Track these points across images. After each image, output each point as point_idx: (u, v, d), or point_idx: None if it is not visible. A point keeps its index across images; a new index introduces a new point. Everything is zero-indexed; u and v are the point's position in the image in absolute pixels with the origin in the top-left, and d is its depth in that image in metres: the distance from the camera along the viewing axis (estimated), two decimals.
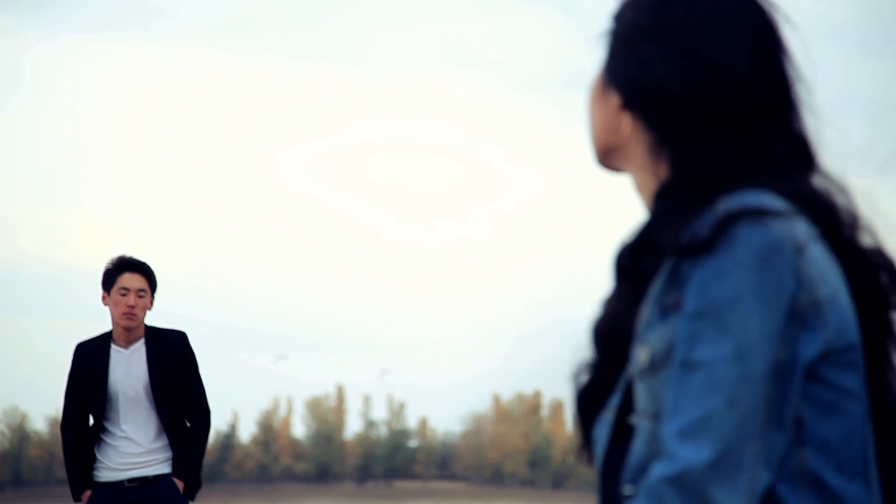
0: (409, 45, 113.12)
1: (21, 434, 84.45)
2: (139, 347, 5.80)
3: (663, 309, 1.45)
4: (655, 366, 1.46)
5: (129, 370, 5.77)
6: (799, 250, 1.42)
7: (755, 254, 1.41)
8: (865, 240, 1.53)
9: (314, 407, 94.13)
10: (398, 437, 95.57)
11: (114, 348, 5.81)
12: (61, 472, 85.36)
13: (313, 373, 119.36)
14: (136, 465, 5.77)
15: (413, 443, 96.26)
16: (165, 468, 5.78)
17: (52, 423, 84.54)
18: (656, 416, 1.46)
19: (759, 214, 1.42)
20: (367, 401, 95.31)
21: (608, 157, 1.63)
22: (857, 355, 1.47)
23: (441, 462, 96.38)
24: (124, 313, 5.74)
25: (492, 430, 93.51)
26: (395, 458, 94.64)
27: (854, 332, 1.46)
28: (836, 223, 1.50)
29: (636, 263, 1.53)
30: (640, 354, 1.48)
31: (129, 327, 5.76)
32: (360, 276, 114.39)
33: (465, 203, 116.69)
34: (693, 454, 1.38)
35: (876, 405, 1.52)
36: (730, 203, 1.44)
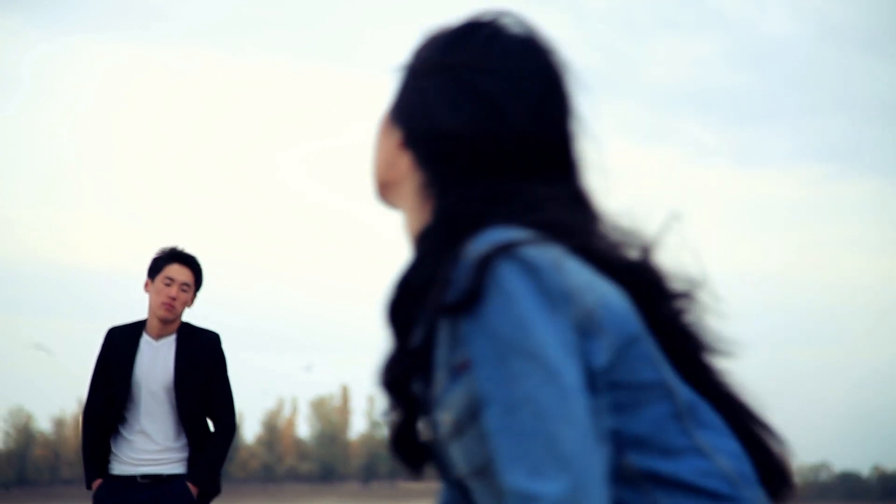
0: (410, 45, 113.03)
1: (26, 434, 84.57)
2: (170, 342, 5.58)
3: (453, 370, 1.43)
4: (461, 427, 1.44)
5: (154, 364, 5.54)
6: (557, 268, 1.42)
7: (522, 283, 1.40)
8: (632, 255, 1.54)
9: (319, 407, 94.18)
10: None
11: (144, 338, 5.57)
12: (66, 472, 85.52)
13: (318, 373, 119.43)
14: (150, 462, 5.54)
15: None
16: (180, 468, 5.55)
17: (56, 423, 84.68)
18: (480, 474, 1.45)
19: (510, 247, 1.42)
20: (371, 401, 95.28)
21: (385, 192, 1.61)
22: (644, 344, 1.47)
23: None
24: (164, 303, 5.52)
25: None
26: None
27: (634, 323, 1.46)
28: (587, 241, 1.50)
29: (400, 313, 1.49)
30: (444, 419, 1.46)
31: (167, 319, 5.53)
32: (361, 276, 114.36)
33: None
34: (553, 487, 1.35)
35: (703, 384, 1.54)
36: (478, 246, 1.43)
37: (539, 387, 1.38)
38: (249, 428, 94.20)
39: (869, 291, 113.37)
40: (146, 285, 5.59)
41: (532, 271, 1.41)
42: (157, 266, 5.58)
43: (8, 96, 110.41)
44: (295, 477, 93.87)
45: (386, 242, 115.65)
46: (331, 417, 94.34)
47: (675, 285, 1.55)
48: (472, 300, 1.41)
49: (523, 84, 1.54)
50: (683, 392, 1.49)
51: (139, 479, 5.53)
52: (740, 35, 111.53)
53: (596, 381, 1.42)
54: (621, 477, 1.45)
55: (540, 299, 1.41)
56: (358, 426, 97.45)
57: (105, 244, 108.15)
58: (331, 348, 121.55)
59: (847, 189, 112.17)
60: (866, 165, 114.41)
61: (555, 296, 1.41)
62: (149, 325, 5.59)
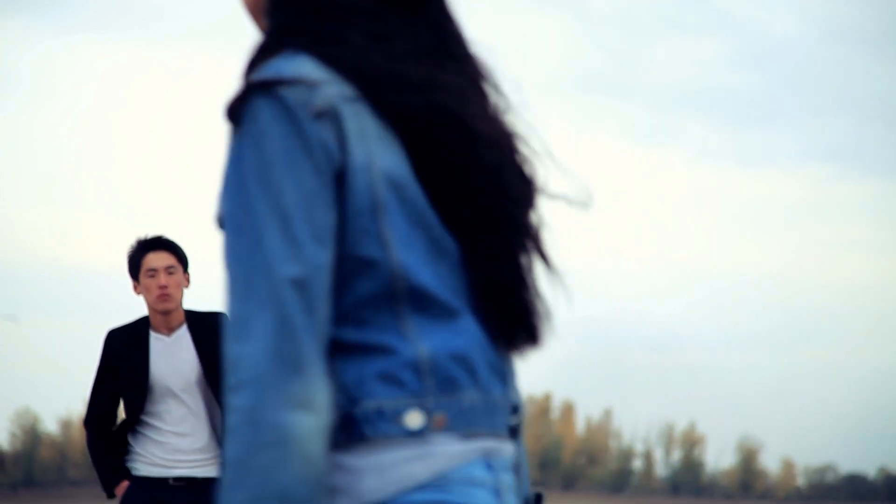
0: None
1: (33, 435, 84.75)
2: (182, 334, 5.22)
3: None
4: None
5: (173, 360, 5.18)
6: (320, 115, 1.42)
7: (276, 126, 1.41)
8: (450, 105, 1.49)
9: None
10: None
11: (153, 336, 5.21)
12: (73, 473, 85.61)
13: None
14: (185, 464, 5.19)
15: None
16: (214, 471, 5.19)
17: (63, 424, 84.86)
18: None
19: (272, 85, 1.42)
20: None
21: (256, 21, 1.61)
22: (379, 219, 1.46)
23: None
24: (158, 296, 5.17)
25: None
26: None
27: (373, 196, 1.45)
28: (383, 88, 1.46)
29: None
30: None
31: (168, 310, 5.19)
32: None
33: None
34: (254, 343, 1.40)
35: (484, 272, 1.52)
36: (259, 73, 1.44)
37: (270, 229, 1.40)
38: None
39: (871, 292, 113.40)
40: (135, 288, 5.26)
41: (280, 117, 1.42)
42: (134, 262, 5.25)
43: (8, 96, 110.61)
44: None
45: None
46: None
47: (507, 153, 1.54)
48: (232, 122, 1.43)
49: None
50: (419, 277, 1.48)
51: (171, 482, 5.20)
52: (744, 36, 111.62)
53: (334, 234, 1.44)
54: (333, 343, 1.47)
55: (289, 145, 1.41)
56: None
57: (105, 244, 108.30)
58: None
59: (850, 190, 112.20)
60: (869, 166, 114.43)
61: (299, 145, 1.41)
62: (153, 323, 5.23)
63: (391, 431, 1.46)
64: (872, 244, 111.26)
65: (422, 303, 1.49)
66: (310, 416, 1.39)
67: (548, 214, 1.59)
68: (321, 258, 1.42)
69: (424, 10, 1.56)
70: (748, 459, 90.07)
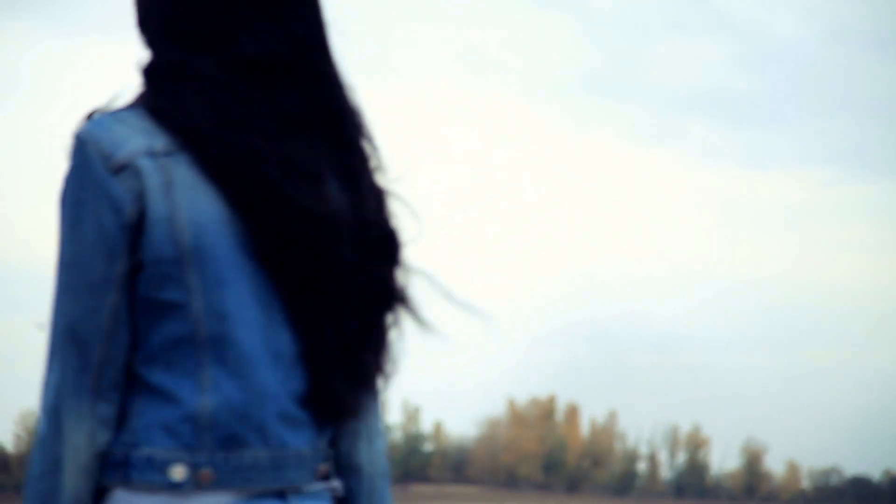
0: (424, 50, 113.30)
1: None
2: None
3: None
4: None
5: None
6: (118, 170, 1.55)
7: (69, 175, 1.58)
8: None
9: None
10: (413, 441, 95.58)
11: None
12: None
13: None
14: None
15: (428, 447, 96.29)
16: None
17: None
18: None
19: (82, 125, 1.59)
20: (382, 405, 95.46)
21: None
22: (180, 266, 1.56)
23: (456, 466, 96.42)
24: None
25: (506, 434, 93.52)
26: (410, 461, 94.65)
27: (176, 245, 1.56)
28: (202, 147, 1.57)
29: None
30: None
31: None
32: None
33: (479, 205, 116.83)
34: (51, 374, 1.62)
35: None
36: (85, 121, 1.61)
37: (59, 275, 1.58)
38: None
39: (874, 293, 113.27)
40: None
41: (86, 168, 1.57)
42: None
43: (8, 96, 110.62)
44: None
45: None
46: None
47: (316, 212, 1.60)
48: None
49: None
50: (224, 326, 1.57)
51: None
52: (747, 37, 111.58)
53: (117, 279, 1.58)
54: (130, 374, 1.60)
55: (78, 196, 1.57)
56: None
57: None
58: None
59: (853, 191, 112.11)
60: (871, 168, 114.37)
61: (95, 199, 1.56)
62: None
63: (154, 480, 1.57)
64: (875, 245, 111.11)
65: (224, 352, 1.58)
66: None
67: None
68: (91, 304, 1.57)
69: (289, 79, 1.63)
70: (753, 462, 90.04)
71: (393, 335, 1.69)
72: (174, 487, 1.57)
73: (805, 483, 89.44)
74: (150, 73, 1.63)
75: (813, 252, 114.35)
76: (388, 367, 1.70)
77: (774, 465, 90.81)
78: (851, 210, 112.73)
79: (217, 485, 1.58)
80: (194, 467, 1.58)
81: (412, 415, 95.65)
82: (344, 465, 1.75)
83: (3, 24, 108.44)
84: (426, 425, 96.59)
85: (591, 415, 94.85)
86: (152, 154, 1.57)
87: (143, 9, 1.66)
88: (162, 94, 1.60)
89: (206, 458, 1.58)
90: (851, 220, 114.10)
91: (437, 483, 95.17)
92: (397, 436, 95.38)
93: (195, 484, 1.57)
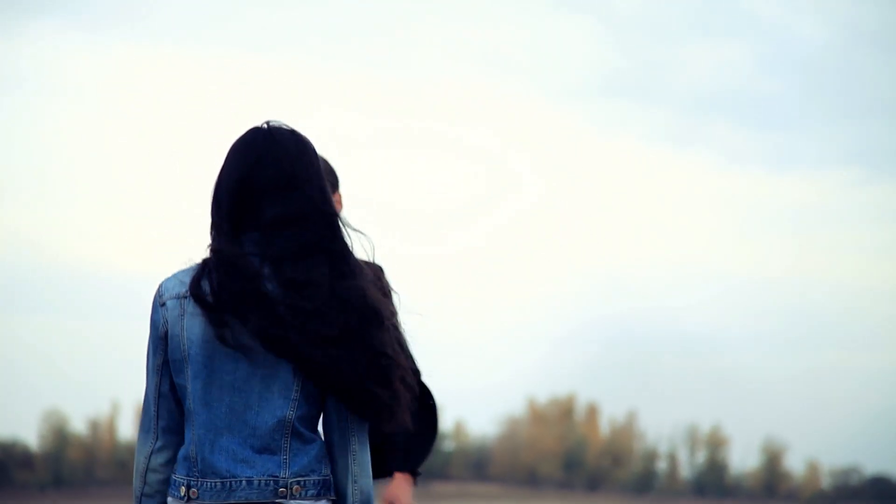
0: (441, 50, 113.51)
1: (61, 436, 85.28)
2: None
3: None
4: None
5: None
6: (162, 305, 2.71)
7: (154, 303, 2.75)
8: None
9: None
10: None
11: None
12: (102, 474, 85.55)
13: None
14: None
15: (449, 445, 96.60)
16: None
17: (91, 424, 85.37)
18: None
19: (160, 283, 2.73)
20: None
21: None
22: (183, 366, 2.67)
23: (476, 464, 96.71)
24: None
25: (526, 433, 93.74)
26: (431, 460, 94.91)
27: (181, 351, 2.67)
28: (201, 295, 2.66)
29: None
30: None
31: None
32: (393, 279, 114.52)
33: (497, 205, 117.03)
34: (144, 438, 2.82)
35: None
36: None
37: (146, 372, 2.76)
38: None
39: (895, 294, 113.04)
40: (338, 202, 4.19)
41: (154, 304, 2.73)
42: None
43: (8, 95, 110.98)
44: None
45: (416, 244, 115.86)
46: None
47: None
48: None
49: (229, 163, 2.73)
50: (193, 400, 2.67)
51: None
52: (770, 40, 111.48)
53: (156, 369, 2.74)
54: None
55: (151, 319, 2.73)
56: None
57: (105, 242, 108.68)
58: None
59: (875, 194, 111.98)
60: (894, 171, 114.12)
61: (153, 318, 2.72)
62: None
63: (175, 495, 2.70)
64: (893, 248, 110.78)
65: (192, 416, 2.67)
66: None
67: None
68: (152, 386, 2.74)
69: (300, 226, 2.70)
70: (773, 461, 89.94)
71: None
72: (181, 499, 2.68)
73: (825, 482, 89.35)
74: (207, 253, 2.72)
75: (835, 253, 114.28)
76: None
77: (794, 464, 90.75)
78: (877, 212, 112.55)
79: (199, 498, 2.66)
80: (188, 487, 2.67)
81: None
82: None
83: (3, 23, 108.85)
84: (447, 424, 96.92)
85: (610, 414, 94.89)
86: (178, 297, 2.68)
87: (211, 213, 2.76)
88: (199, 266, 2.71)
89: (193, 482, 2.67)
90: (875, 223, 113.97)
91: (459, 481, 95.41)
92: None
93: (189, 498, 2.67)
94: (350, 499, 2.64)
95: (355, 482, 2.64)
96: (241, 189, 2.67)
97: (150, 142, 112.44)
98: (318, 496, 2.63)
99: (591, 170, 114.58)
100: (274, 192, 2.65)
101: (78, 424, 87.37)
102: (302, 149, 2.68)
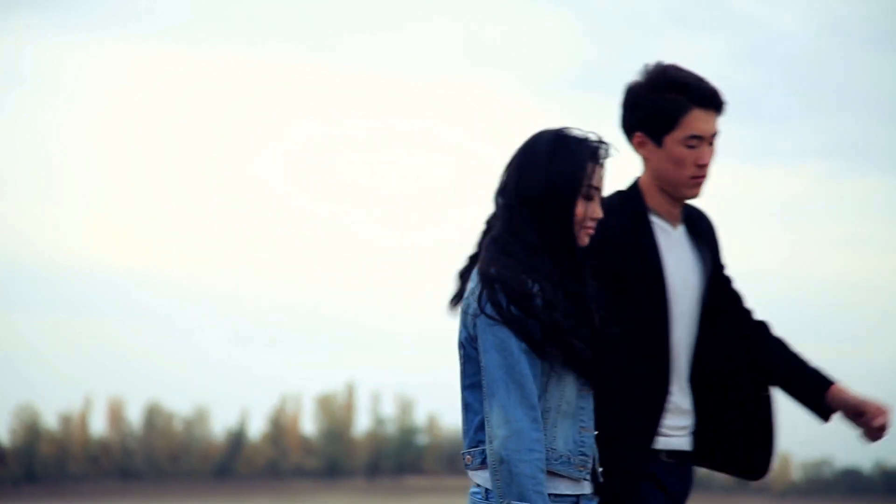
0: (422, 44, 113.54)
1: (33, 431, 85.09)
2: (682, 233, 3.39)
3: None
4: None
5: (680, 270, 3.35)
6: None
7: None
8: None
9: (324, 404, 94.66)
10: (407, 433, 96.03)
11: (657, 223, 3.35)
12: (74, 468, 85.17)
13: (323, 371, 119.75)
14: (681, 431, 3.40)
15: (422, 439, 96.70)
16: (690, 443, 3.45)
17: (63, 419, 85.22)
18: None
19: None
20: (376, 398, 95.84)
21: None
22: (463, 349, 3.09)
23: (450, 458, 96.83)
24: (694, 178, 3.30)
25: None
26: (404, 454, 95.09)
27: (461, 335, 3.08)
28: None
29: None
30: None
31: (695, 197, 3.36)
32: (370, 274, 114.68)
33: (473, 200, 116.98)
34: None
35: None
36: None
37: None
38: (255, 425, 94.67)
39: (871, 288, 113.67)
40: (641, 144, 3.35)
41: None
42: (672, 114, 3.31)
43: (8, 94, 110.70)
44: (300, 473, 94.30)
45: (393, 239, 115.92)
46: (336, 414, 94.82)
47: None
48: None
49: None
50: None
51: (664, 457, 3.36)
52: (746, 32, 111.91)
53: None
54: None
55: None
56: (362, 423, 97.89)
57: (105, 241, 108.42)
58: (336, 346, 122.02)
59: (854, 186, 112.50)
60: (870, 163, 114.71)
61: None
62: (653, 201, 3.35)
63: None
64: (873, 240, 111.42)
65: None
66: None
67: None
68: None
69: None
70: None
71: None
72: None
73: (796, 475, 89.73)
74: None
75: (810, 247, 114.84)
76: None
77: None
78: (854, 204, 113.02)
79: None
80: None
81: (406, 408, 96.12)
82: None
83: (3, 22, 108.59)
84: (420, 418, 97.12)
85: None
86: None
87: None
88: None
89: None
90: (855, 215, 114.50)
91: (432, 475, 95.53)
92: (391, 429, 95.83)
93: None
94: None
95: None
96: None
97: (148, 141, 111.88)
98: None
99: None
100: None
101: (50, 419, 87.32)
102: None
